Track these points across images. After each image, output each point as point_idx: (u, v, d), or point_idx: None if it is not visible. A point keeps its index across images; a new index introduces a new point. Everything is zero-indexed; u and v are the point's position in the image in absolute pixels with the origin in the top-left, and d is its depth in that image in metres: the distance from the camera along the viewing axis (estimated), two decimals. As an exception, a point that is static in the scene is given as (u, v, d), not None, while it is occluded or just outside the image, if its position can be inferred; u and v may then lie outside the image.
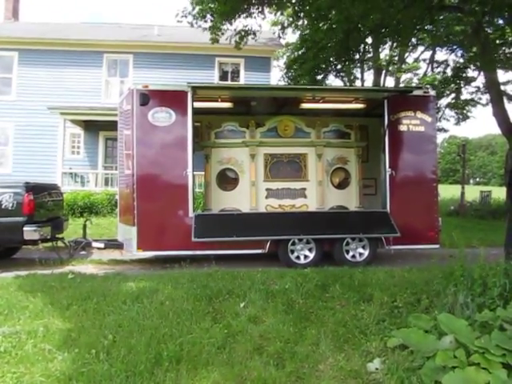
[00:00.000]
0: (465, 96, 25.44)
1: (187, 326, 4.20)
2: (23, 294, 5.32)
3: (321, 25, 17.65)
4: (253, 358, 3.67)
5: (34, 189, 7.71)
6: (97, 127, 18.47)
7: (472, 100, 25.31)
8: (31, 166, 17.81)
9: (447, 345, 3.36)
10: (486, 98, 24.14)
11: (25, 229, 7.37)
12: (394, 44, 23.02)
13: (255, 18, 15.30)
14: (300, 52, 23.47)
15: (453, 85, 23.59)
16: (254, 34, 16.03)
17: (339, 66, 25.81)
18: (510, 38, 17.91)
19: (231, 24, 15.33)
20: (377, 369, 3.49)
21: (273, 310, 4.67)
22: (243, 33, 15.88)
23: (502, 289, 3.84)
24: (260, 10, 15.00)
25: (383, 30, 17.20)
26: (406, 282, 5.55)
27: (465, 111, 26.26)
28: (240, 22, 15.55)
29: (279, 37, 19.66)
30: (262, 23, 51.00)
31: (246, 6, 14.30)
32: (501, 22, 16.65)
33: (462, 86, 24.22)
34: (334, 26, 16.48)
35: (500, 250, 8.16)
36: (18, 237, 7.41)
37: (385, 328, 4.19)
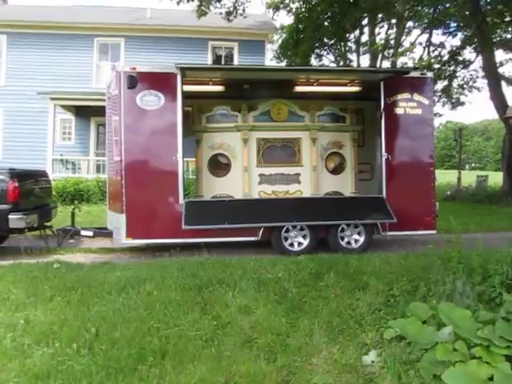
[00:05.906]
0: (461, 81, 25.13)
1: (174, 318, 4.02)
2: (5, 284, 5.11)
3: (315, 3, 17.36)
4: (242, 351, 3.50)
5: (19, 176, 7.45)
6: (88, 113, 18.17)
7: (464, 85, 24.97)
8: (21, 152, 17.45)
9: (446, 337, 3.18)
10: (482, 82, 23.86)
11: (10, 217, 7.14)
12: (390, 26, 22.69)
13: None
14: (295, 34, 23.04)
15: (449, 68, 23.25)
16: (243, 10, 15.70)
17: (334, 47, 25.45)
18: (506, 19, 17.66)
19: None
20: (373, 361, 3.33)
21: (264, 300, 4.49)
22: (232, 9, 15.61)
23: (505, 276, 3.65)
24: None
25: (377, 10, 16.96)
26: (403, 268, 5.39)
27: (461, 96, 25.96)
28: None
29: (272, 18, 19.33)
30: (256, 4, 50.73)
31: None
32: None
33: (458, 69, 23.89)
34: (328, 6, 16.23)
35: (497, 234, 8.02)
36: (3, 225, 7.17)
37: (381, 318, 4.02)
